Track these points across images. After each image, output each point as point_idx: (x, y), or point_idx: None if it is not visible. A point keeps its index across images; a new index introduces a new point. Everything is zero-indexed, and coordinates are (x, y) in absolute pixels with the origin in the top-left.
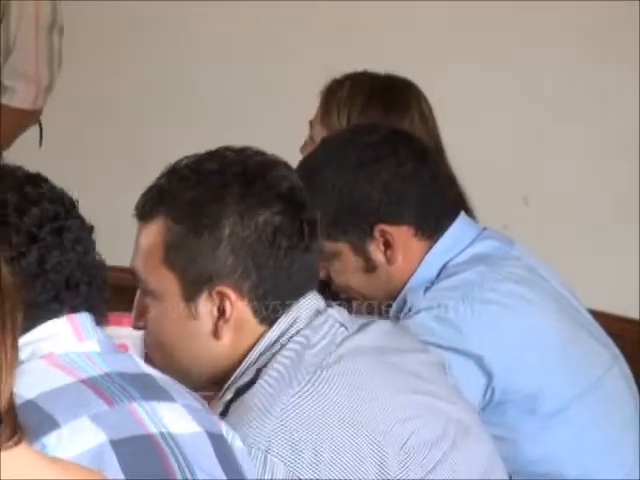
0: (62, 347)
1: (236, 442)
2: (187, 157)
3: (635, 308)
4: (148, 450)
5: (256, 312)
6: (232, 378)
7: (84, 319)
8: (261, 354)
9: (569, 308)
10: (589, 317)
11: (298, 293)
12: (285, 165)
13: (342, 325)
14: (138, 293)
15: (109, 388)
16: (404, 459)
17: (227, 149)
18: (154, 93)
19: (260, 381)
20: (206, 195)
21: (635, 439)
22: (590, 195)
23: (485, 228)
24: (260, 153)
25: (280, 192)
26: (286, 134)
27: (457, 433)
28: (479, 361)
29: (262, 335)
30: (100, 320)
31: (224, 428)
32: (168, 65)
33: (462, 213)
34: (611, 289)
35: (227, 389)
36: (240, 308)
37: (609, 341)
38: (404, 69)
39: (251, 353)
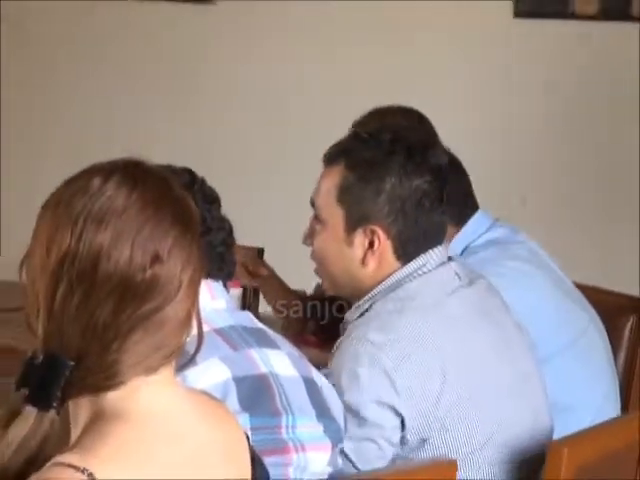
0: (200, 303)
1: (324, 383)
2: (365, 120)
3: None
4: (260, 385)
5: (396, 251)
6: (368, 295)
7: (215, 283)
8: (392, 284)
9: (558, 280)
10: (572, 286)
11: (429, 245)
12: (442, 147)
13: (457, 275)
14: (311, 219)
15: (233, 337)
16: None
17: (400, 124)
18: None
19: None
20: (378, 156)
21: (608, 375)
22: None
23: (497, 219)
24: (425, 132)
25: (432, 167)
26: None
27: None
28: None
29: (396, 270)
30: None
31: (314, 373)
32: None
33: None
34: None
35: (363, 303)
36: (385, 245)
37: (587, 305)
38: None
39: (386, 281)
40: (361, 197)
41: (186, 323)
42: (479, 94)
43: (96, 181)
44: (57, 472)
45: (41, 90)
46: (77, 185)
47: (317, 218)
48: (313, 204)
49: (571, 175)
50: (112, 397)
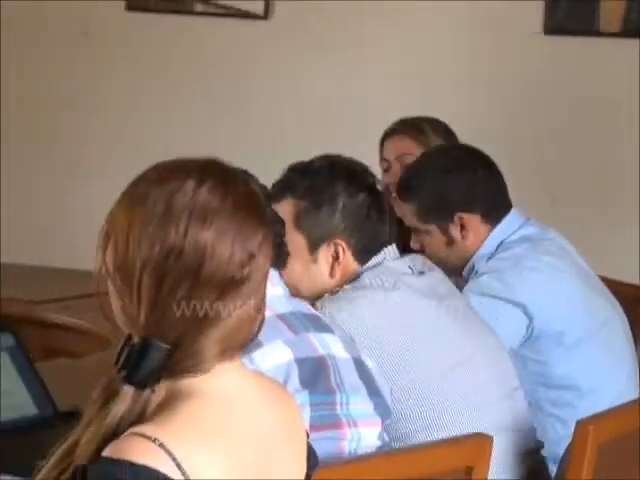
0: None
1: (371, 365)
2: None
3: None
4: (318, 366)
5: (356, 257)
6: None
7: (274, 271)
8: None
9: (584, 273)
10: (597, 279)
11: (381, 247)
12: (364, 165)
13: (410, 268)
14: None
15: (294, 322)
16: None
17: (326, 155)
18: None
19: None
20: (324, 183)
21: (630, 361)
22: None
23: (529, 217)
24: (346, 158)
25: (368, 183)
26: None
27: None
28: (524, 309)
29: (355, 273)
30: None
31: (363, 355)
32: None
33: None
34: None
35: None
36: (347, 255)
37: (611, 296)
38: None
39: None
40: (318, 219)
41: (261, 309)
42: (508, 110)
43: (190, 183)
44: (131, 440)
45: (115, 96)
46: (172, 185)
47: None
48: None
49: (598, 180)
50: (188, 379)
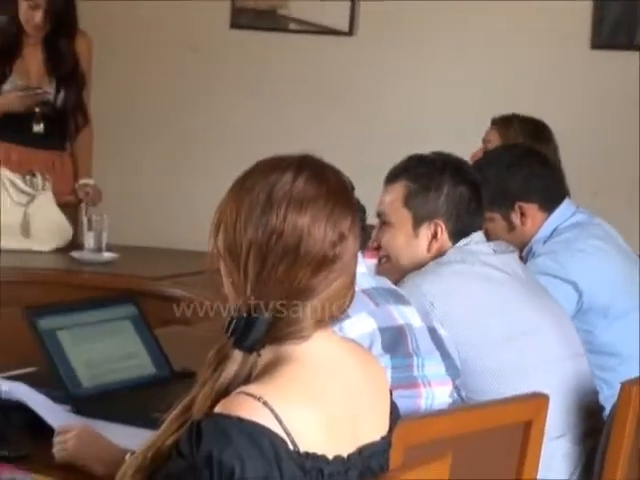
0: None
1: (443, 333)
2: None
3: None
4: (398, 334)
5: (451, 238)
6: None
7: None
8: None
9: (626, 255)
10: (637, 259)
11: (471, 232)
12: (472, 166)
13: (493, 250)
14: (376, 228)
15: (376, 296)
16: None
17: (439, 151)
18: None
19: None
20: (434, 171)
21: None
22: None
23: (578, 206)
24: (455, 156)
25: (471, 177)
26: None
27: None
28: (575, 285)
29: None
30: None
31: (436, 324)
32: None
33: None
34: None
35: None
36: (444, 235)
37: None
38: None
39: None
40: (425, 201)
41: (352, 285)
42: (555, 124)
43: (288, 175)
44: (240, 399)
45: (221, 102)
46: (272, 178)
47: (384, 223)
48: (379, 214)
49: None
50: (290, 345)
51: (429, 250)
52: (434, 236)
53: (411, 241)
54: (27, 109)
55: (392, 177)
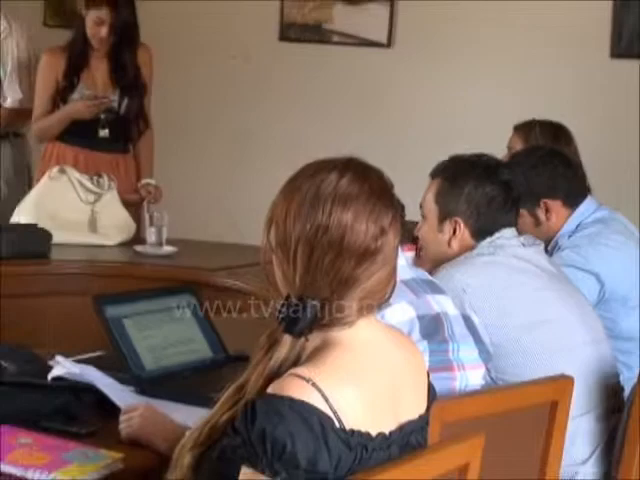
0: None
1: (475, 319)
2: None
3: None
4: (435, 321)
5: (472, 235)
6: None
7: None
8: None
9: None
10: None
11: (497, 230)
12: (507, 166)
13: (522, 243)
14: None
15: (415, 286)
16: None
17: (481, 152)
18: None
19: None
20: (461, 171)
21: None
22: None
23: (601, 203)
24: (493, 157)
25: (501, 179)
26: None
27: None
28: (597, 276)
29: (472, 246)
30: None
31: (468, 311)
32: None
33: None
34: None
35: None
36: (463, 232)
37: None
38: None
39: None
40: (449, 199)
41: (393, 276)
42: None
43: (334, 176)
44: (290, 380)
45: (274, 109)
46: (319, 178)
47: (422, 216)
48: (420, 207)
49: None
50: (336, 331)
51: (449, 245)
52: (453, 233)
53: (437, 235)
54: (94, 116)
55: (432, 174)
